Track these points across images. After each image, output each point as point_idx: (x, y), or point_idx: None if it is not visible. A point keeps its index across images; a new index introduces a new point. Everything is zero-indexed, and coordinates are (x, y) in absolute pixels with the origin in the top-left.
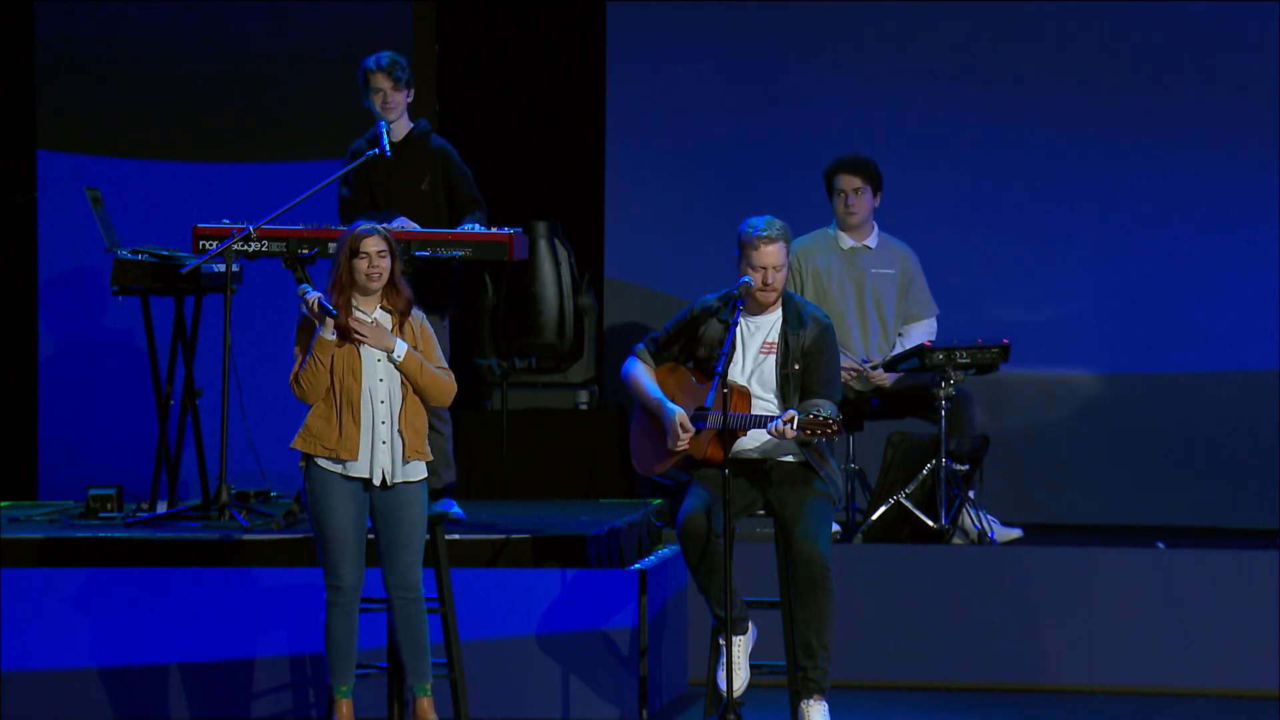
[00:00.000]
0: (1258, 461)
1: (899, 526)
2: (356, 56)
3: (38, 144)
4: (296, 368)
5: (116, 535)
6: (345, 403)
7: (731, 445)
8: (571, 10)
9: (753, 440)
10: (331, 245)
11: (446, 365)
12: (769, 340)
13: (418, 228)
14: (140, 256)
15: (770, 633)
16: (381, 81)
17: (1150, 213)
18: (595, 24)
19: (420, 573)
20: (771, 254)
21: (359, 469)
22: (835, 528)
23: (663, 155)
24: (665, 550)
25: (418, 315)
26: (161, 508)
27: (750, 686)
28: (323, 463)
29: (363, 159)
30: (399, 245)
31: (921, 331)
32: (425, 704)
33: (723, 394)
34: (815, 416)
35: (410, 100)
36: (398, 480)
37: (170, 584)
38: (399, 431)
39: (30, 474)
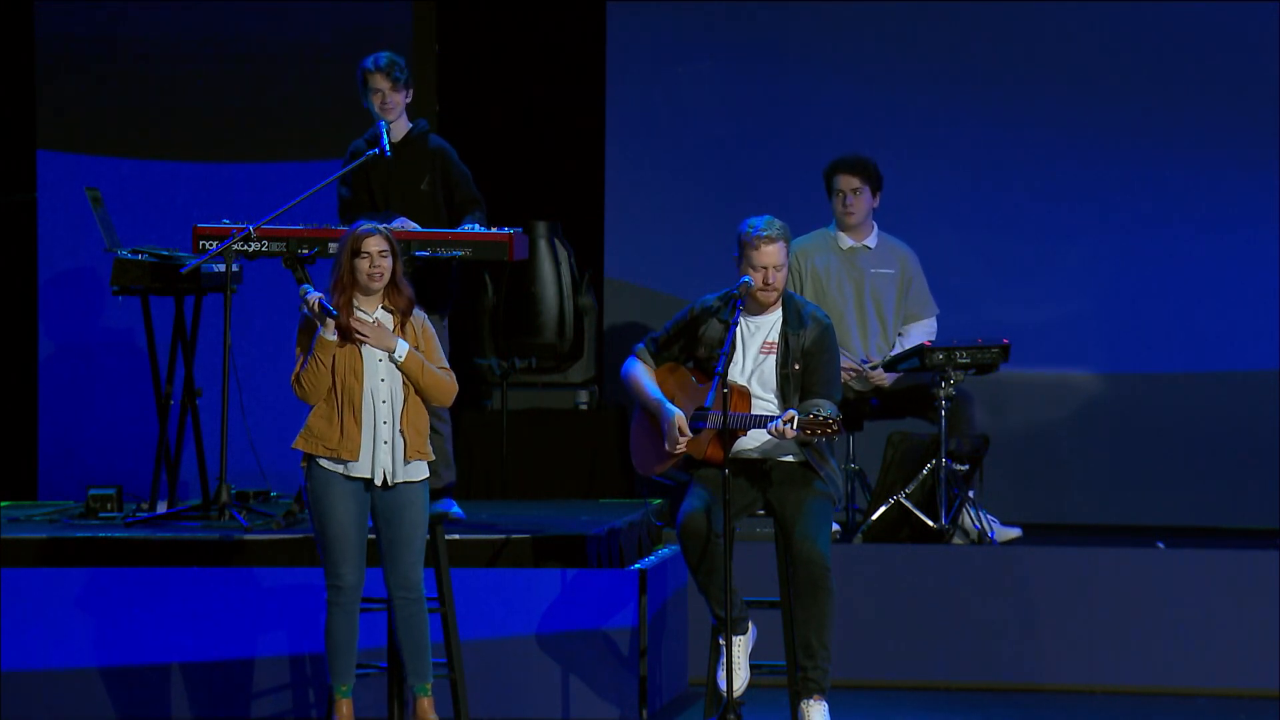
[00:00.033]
0: (1258, 461)
1: (899, 526)
2: (356, 56)
3: (38, 144)
4: (298, 368)
5: (116, 535)
6: (347, 403)
7: (731, 445)
8: (571, 10)
9: (753, 440)
10: (331, 245)
11: (448, 365)
12: (769, 340)
13: (418, 228)
14: (140, 256)
15: (770, 633)
16: (380, 82)
17: (1150, 213)
18: (595, 24)
19: (422, 573)
20: (772, 254)
21: (360, 469)
22: (835, 528)
23: (663, 155)
24: (665, 550)
25: (419, 315)
26: (161, 508)
27: (750, 686)
28: (324, 463)
29: (362, 159)
30: (400, 245)
31: (921, 331)
32: (425, 704)
33: (723, 394)
34: (815, 416)
35: (409, 100)
36: (399, 480)
37: (170, 584)
38: (401, 431)
39: (30, 474)
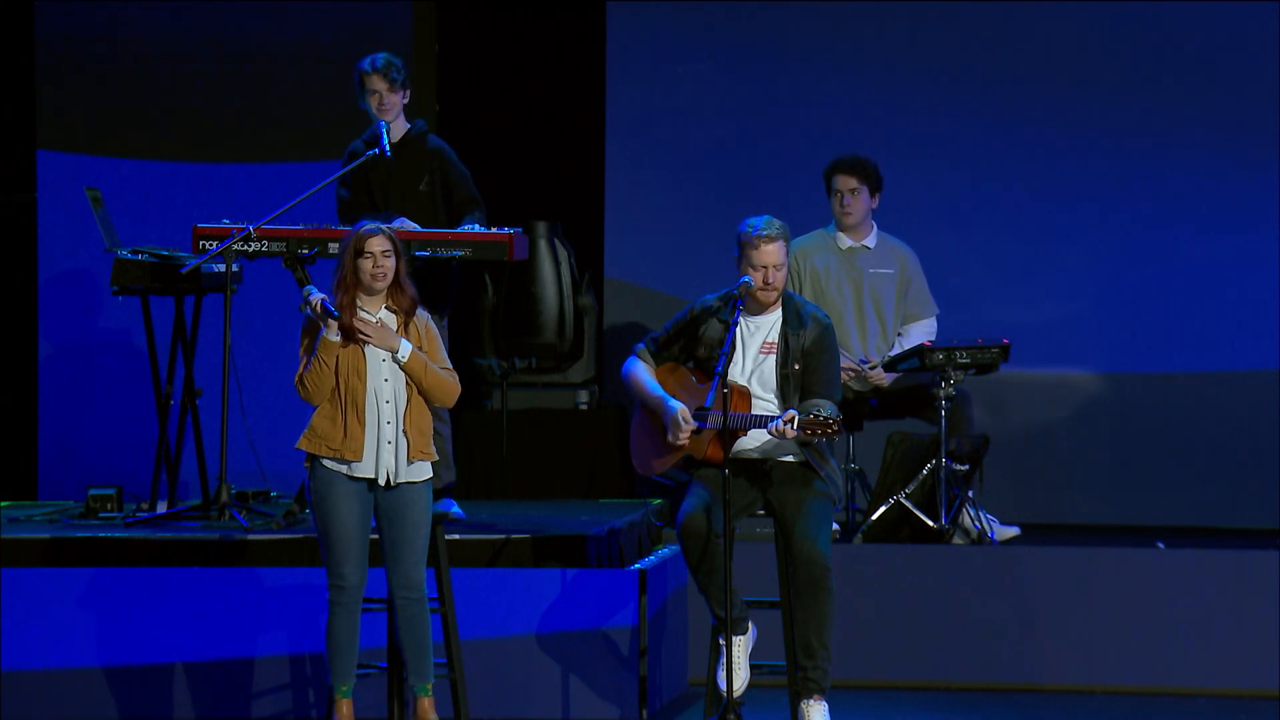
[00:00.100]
0: (1258, 461)
1: (899, 526)
2: (356, 56)
3: (38, 144)
4: (301, 369)
5: (116, 535)
6: (350, 403)
7: (731, 445)
8: (571, 10)
9: (753, 440)
10: (332, 245)
11: (451, 366)
12: (769, 340)
13: (418, 228)
14: (140, 256)
15: (770, 633)
16: (377, 83)
17: (1150, 213)
18: (595, 24)
19: (424, 573)
20: (771, 253)
21: (364, 469)
22: (835, 527)
23: (663, 155)
24: (665, 550)
25: (423, 315)
26: (161, 508)
27: (750, 686)
28: (328, 463)
29: (362, 159)
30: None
31: (921, 331)
32: (426, 704)
33: (723, 394)
34: (816, 416)
35: (406, 101)
36: (402, 480)
37: (170, 584)
38: (404, 432)
39: (30, 474)
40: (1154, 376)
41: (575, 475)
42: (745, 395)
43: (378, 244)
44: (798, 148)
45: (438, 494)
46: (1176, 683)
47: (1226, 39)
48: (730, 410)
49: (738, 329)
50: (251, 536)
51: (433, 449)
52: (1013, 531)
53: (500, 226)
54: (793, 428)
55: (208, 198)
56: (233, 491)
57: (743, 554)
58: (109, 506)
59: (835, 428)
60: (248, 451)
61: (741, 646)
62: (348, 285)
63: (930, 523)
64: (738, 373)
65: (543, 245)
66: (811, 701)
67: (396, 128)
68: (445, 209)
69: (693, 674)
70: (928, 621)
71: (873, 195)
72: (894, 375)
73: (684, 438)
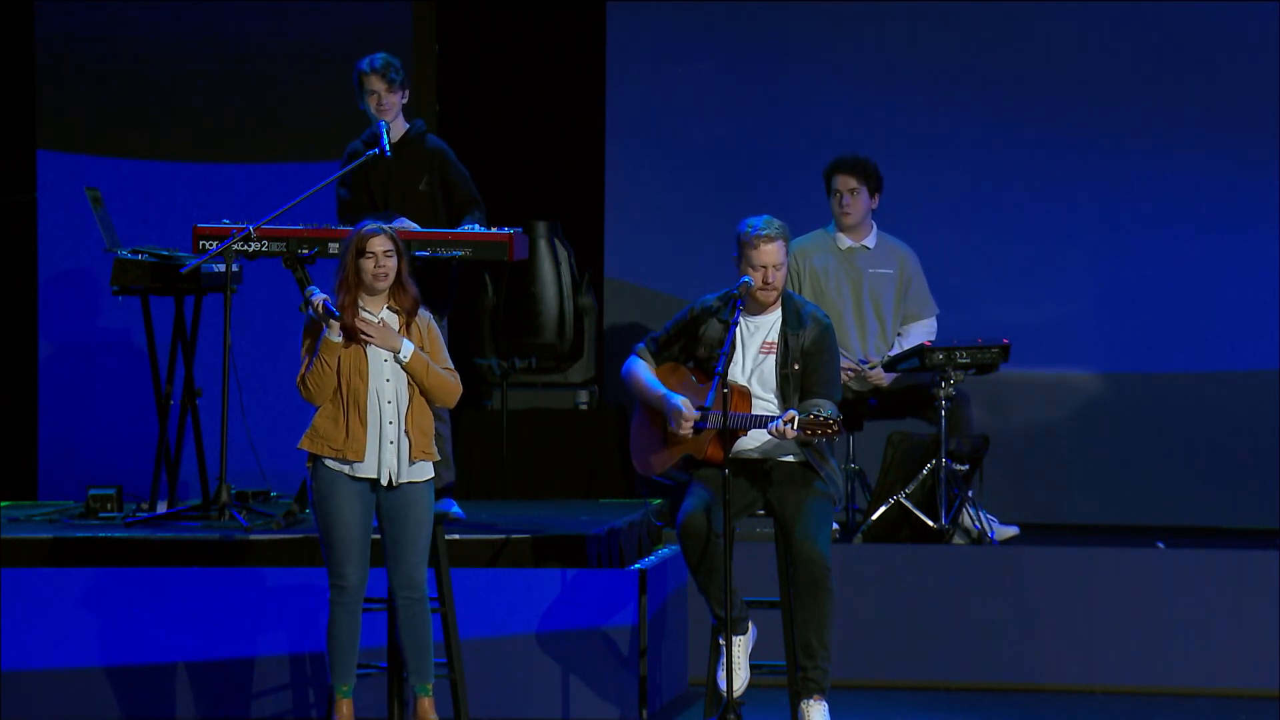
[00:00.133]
0: (1258, 461)
1: (899, 526)
2: (356, 56)
3: (38, 144)
4: (303, 369)
5: (116, 535)
6: (352, 403)
7: (731, 445)
8: (571, 10)
9: (753, 440)
10: (332, 245)
11: (452, 366)
12: (769, 340)
13: (417, 228)
14: (140, 256)
15: (770, 633)
16: (376, 84)
17: (1150, 213)
18: (595, 24)
19: (425, 572)
20: (771, 253)
21: (366, 469)
22: (835, 527)
23: (663, 155)
24: (665, 550)
25: (425, 315)
26: (161, 508)
27: (750, 686)
28: (330, 463)
29: (363, 159)
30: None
31: (921, 331)
32: (426, 704)
33: (723, 394)
34: (816, 417)
35: (405, 101)
36: (404, 480)
37: (170, 584)
38: (406, 432)
39: (30, 474)
40: (1154, 376)
41: (575, 475)
42: (745, 395)
43: (380, 244)
44: (798, 148)
45: (438, 494)
46: (1176, 683)
47: (1226, 39)
48: (730, 410)
49: (738, 329)
50: (252, 536)
51: (435, 449)
52: (1012, 531)
53: (500, 226)
54: (793, 428)
55: (208, 198)
56: (233, 491)
57: (743, 554)
58: (109, 506)
59: (835, 428)
60: (248, 451)
61: (741, 646)
62: (349, 285)
63: (930, 523)
64: (738, 373)
65: (543, 245)
66: (811, 701)
67: (395, 128)
68: (445, 209)
69: (693, 674)
70: (928, 621)
71: (872, 195)
72: (894, 375)
73: (687, 428)
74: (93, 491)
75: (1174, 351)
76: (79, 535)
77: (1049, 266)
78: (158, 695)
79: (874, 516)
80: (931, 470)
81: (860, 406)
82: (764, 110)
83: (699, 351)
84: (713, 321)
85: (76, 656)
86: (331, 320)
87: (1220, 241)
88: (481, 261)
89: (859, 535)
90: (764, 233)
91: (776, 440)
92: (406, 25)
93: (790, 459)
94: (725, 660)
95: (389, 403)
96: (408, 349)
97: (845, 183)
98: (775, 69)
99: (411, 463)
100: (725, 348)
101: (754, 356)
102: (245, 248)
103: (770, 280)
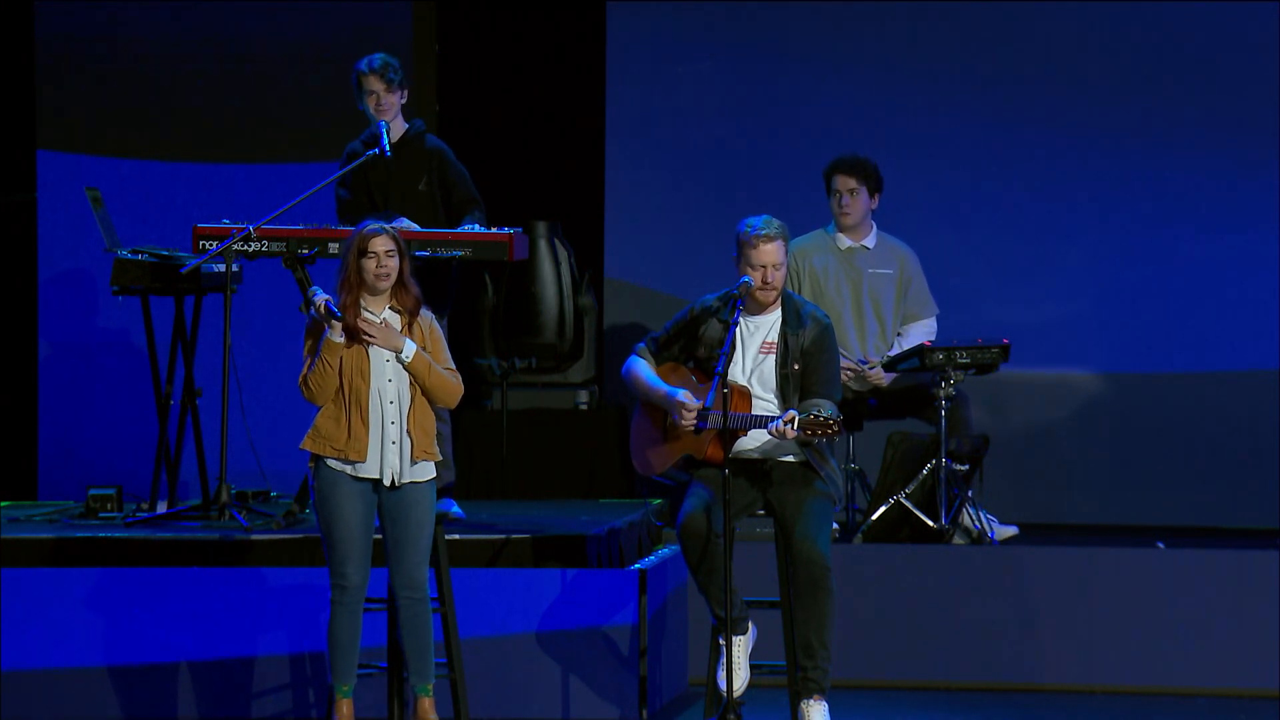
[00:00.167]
0: (1258, 461)
1: (899, 526)
2: (356, 56)
3: (38, 144)
4: (305, 369)
5: (117, 535)
6: (354, 403)
7: (731, 445)
8: (571, 10)
9: (753, 440)
10: (332, 245)
11: (454, 366)
12: (769, 340)
13: (417, 228)
14: (140, 256)
15: (770, 633)
16: (374, 84)
17: (1150, 213)
18: (595, 24)
19: (427, 573)
20: (770, 252)
21: (368, 470)
22: (834, 527)
23: (663, 155)
24: (665, 550)
25: (427, 315)
26: (161, 508)
27: (750, 686)
28: (332, 463)
29: (362, 159)
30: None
31: (921, 331)
32: (426, 704)
33: (723, 394)
34: (816, 417)
35: (404, 101)
36: (406, 480)
37: (170, 584)
38: (408, 432)
39: (30, 474)
40: (1154, 376)
41: (575, 475)
42: (745, 395)
43: (381, 244)
44: (798, 148)
45: (438, 494)
46: (1176, 683)
47: (1226, 39)
48: (730, 410)
49: (737, 329)
50: (252, 536)
51: (436, 449)
52: (1012, 531)
53: (500, 226)
54: (793, 428)
55: (208, 198)
56: (233, 491)
57: (743, 554)
58: (109, 506)
59: (835, 428)
60: (248, 451)
61: (741, 646)
62: (351, 285)
63: (930, 523)
64: (738, 373)
65: (543, 245)
66: (811, 701)
67: (395, 128)
68: (444, 209)
69: (693, 674)
70: (928, 621)
71: (872, 195)
72: (893, 375)
73: (690, 418)
74: (93, 491)
75: (1174, 351)
76: (79, 535)
77: (1049, 266)
78: (158, 695)
79: (874, 516)
80: (931, 470)
81: (860, 406)
82: (764, 110)
83: (699, 351)
84: (713, 321)
85: (77, 656)
86: (333, 320)
87: (1220, 241)
88: (481, 261)
89: (859, 535)
90: (763, 233)
91: (776, 440)
92: (406, 25)
93: (790, 459)
94: (725, 660)
95: (391, 403)
96: (410, 349)
97: (845, 183)
98: (775, 69)
99: (413, 463)
100: (725, 348)
101: (754, 356)
102: (245, 248)
103: (770, 280)
